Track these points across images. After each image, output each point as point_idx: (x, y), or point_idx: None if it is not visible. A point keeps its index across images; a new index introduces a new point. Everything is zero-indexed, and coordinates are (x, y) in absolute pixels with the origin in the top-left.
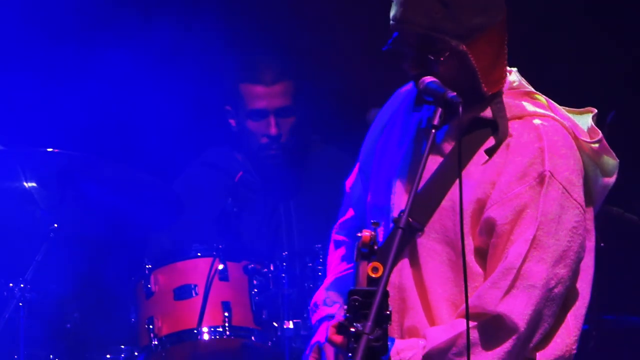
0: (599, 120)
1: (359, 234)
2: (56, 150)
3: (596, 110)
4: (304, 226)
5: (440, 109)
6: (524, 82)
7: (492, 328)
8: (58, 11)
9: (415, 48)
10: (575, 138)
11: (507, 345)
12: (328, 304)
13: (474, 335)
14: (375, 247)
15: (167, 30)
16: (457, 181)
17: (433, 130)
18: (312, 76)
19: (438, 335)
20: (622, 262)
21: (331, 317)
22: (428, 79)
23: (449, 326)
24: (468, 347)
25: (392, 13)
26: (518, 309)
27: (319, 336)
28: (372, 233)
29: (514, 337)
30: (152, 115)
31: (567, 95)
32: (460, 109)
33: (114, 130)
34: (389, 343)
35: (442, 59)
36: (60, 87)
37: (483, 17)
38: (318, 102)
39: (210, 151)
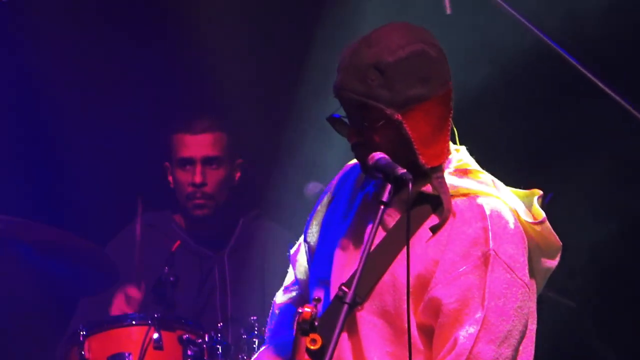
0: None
1: (300, 310)
2: None
3: (542, 192)
4: (238, 292)
5: (389, 186)
6: (471, 161)
7: None
8: None
9: (353, 116)
10: (519, 218)
11: None
12: None
13: None
14: (316, 323)
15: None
16: (399, 256)
17: (382, 207)
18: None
19: None
20: (556, 346)
21: None
22: (378, 155)
23: None
24: None
25: (334, 82)
26: None
27: None
28: (313, 309)
29: None
30: (86, 177)
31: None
32: (410, 185)
33: (45, 193)
34: None
35: (377, 127)
36: None
37: (422, 88)
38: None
39: (149, 214)
